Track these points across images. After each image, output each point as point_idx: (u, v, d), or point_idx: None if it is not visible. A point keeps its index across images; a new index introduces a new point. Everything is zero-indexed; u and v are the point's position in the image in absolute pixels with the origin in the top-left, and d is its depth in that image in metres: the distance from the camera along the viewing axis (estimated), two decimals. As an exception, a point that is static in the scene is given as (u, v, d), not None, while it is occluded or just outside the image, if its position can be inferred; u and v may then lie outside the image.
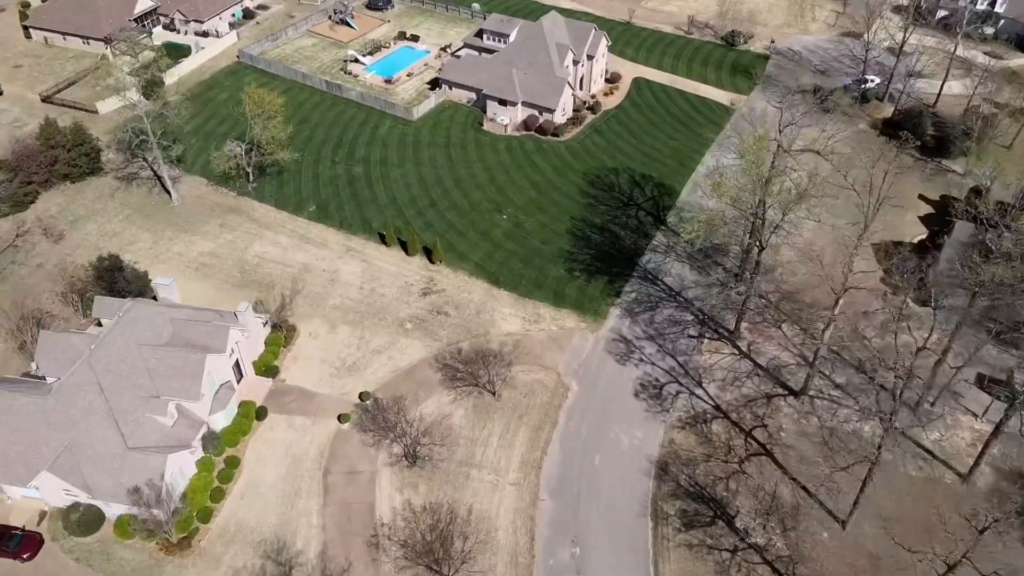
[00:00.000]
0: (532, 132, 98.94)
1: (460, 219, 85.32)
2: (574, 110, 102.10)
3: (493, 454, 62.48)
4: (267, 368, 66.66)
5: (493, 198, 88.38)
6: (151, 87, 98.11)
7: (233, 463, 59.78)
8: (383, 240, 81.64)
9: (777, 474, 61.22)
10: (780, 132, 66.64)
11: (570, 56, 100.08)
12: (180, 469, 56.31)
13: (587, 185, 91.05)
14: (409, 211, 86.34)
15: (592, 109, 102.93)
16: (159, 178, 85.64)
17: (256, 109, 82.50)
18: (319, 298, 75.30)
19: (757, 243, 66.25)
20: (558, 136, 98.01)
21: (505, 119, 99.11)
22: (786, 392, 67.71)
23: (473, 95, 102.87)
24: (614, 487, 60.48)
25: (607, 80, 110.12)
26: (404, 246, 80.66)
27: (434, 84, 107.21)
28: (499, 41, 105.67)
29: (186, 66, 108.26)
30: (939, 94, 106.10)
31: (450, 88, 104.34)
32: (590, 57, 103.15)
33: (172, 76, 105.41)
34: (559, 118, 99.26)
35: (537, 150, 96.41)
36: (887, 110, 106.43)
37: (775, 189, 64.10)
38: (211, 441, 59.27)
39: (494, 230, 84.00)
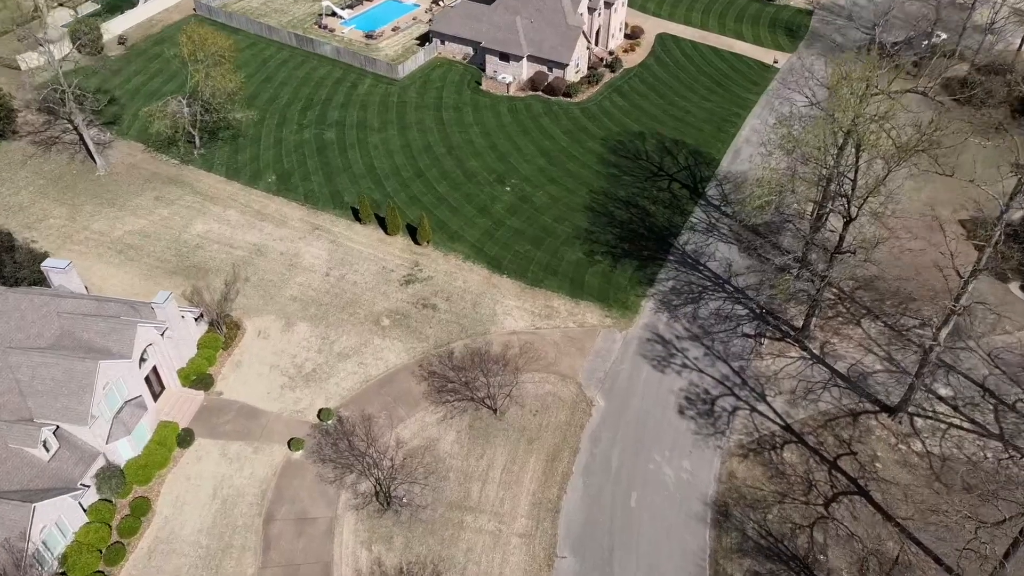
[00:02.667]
0: (540, 92, 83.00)
1: (453, 191, 69.42)
2: (589, 68, 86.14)
3: (494, 493, 46.63)
4: (198, 378, 50.80)
5: (494, 167, 72.47)
6: (89, 42, 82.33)
7: (141, 509, 43.93)
8: (357, 216, 65.74)
9: (877, 519, 45.37)
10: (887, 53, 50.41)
11: (585, 2, 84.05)
12: (59, 521, 40.43)
13: (607, 152, 75.12)
14: (391, 182, 70.39)
15: (611, 67, 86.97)
16: (83, 142, 69.60)
17: (197, 52, 66.34)
18: (273, 287, 59.37)
19: (844, 212, 50.22)
20: (571, 96, 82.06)
21: (508, 77, 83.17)
22: (877, 408, 51.78)
23: (469, 50, 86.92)
24: (658, 539, 44.65)
25: (627, 36, 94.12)
26: (383, 223, 64.78)
27: (424, 40, 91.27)
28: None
29: (131, 18, 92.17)
30: (1020, 50, 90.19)
31: (442, 43, 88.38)
32: (608, 5, 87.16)
33: (114, 29, 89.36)
34: (572, 75, 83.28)
35: (546, 112, 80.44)
36: (960, 68, 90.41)
37: (871, 138, 48.07)
38: (110, 479, 43.40)
39: (495, 204, 68.10)
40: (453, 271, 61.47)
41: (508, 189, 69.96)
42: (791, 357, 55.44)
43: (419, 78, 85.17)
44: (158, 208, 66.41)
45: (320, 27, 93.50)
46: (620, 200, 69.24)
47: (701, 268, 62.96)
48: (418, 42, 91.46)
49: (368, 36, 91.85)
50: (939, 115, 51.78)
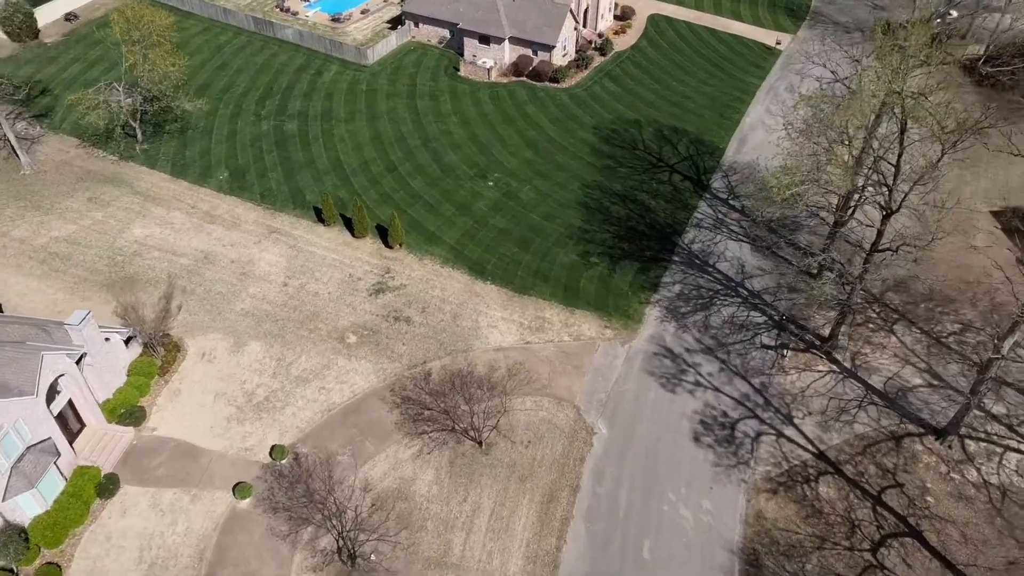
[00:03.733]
0: (524, 77, 75.47)
1: (429, 188, 61.69)
2: (578, 51, 78.73)
3: (480, 545, 39.09)
4: (127, 412, 42.79)
5: (475, 160, 64.82)
6: (21, 27, 73.75)
7: (49, 578, 35.92)
8: (320, 217, 57.86)
9: (935, 567, 38.40)
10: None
11: (572, -22, 76.57)
12: (-63, 603, 32.39)
13: (600, 142, 67.73)
14: (358, 178, 62.53)
15: (601, 50, 79.61)
16: (5, 137, 61.08)
17: (131, 32, 58.06)
18: (222, 300, 51.38)
19: (883, 203, 43.16)
20: (558, 82, 74.61)
21: (488, 61, 75.55)
22: (922, 430, 44.83)
23: (446, 33, 79.19)
24: (677, 597, 37.37)
25: (617, 17, 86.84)
26: (349, 225, 56.98)
27: (396, 22, 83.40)
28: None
29: (71, 1, 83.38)
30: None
31: (416, 25, 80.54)
32: (597, -18, 79.82)
33: (46, 16, 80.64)
34: (559, 59, 75.82)
35: (532, 99, 72.91)
36: (975, 48, 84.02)
37: (921, 114, 41.03)
38: (7, 544, 35.33)
39: (477, 202, 60.48)
40: (429, 278, 53.81)
41: (491, 184, 62.36)
42: (818, 371, 48.36)
43: (390, 64, 77.31)
44: (91, 211, 58.08)
45: (282, 10, 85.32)
46: (616, 194, 61.88)
47: (710, 270, 55.76)
48: (389, 25, 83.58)
49: (334, 19, 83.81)
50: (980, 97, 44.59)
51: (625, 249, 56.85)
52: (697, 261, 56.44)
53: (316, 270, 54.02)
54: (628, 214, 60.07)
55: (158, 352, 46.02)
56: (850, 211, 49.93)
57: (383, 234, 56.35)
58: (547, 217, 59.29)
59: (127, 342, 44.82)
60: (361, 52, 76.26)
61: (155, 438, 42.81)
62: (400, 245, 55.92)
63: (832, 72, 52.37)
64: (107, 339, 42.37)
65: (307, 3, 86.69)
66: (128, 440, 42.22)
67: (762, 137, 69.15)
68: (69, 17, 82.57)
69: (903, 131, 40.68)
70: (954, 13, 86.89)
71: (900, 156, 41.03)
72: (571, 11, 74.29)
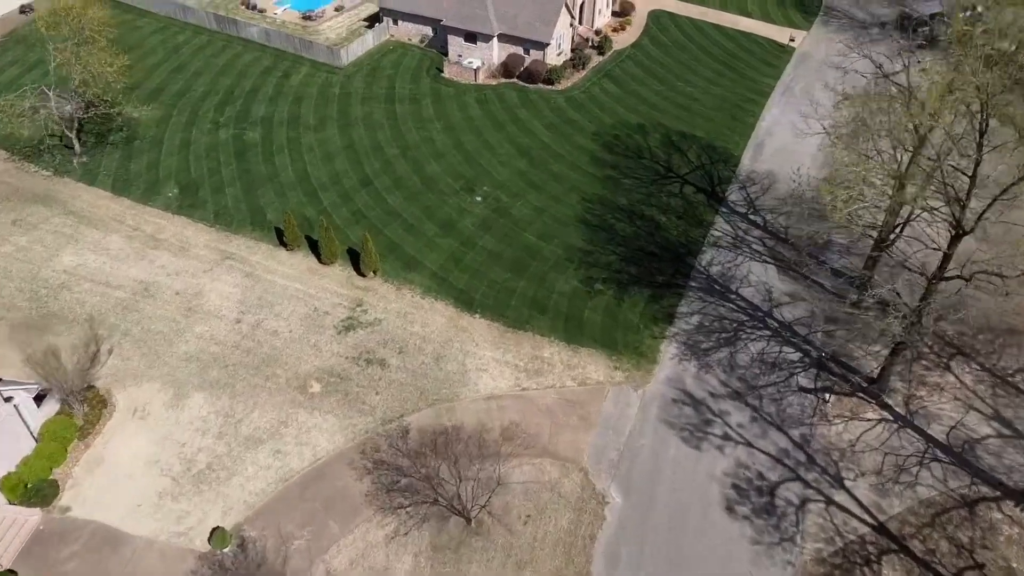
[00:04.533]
0: (515, 79, 68.04)
1: (409, 204, 54.07)
2: (574, 49, 71.40)
3: (470, 656, 31.37)
4: (34, 487, 34.86)
5: (460, 171, 57.26)
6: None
7: None
8: (282, 240, 50.10)
9: (1032, 676, 30.98)
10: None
11: (566, -32, 69.26)
12: None
13: (601, 150, 60.33)
14: (328, 194, 54.83)
15: (599, 48, 72.30)
16: (-82, 150, 53.07)
17: (61, 26, 50.18)
18: (162, 342, 43.52)
19: (952, 221, 35.83)
20: (553, 83, 67.21)
21: (475, 61, 68.07)
22: (998, 493, 37.49)
23: (428, 30, 71.69)
24: None
25: (615, 13, 79.64)
26: (316, 248, 49.25)
27: (373, 20, 75.84)
28: (463, -42, 74.33)
29: (9, 2, 75.39)
30: None
31: (395, 22, 72.99)
32: (594, -27, 72.59)
33: (4, 4, 72.67)
34: (554, 58, 68.44)
35: (524, 103, 65.44)
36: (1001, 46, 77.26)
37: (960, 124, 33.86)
38: None
39: (463, 219, 52.90)
40: (408, 311, 46.12)
41: (479, 199, 54.79)
42: (868, 419, 40.96)
43: (367, 65, 69.68)
44: (14, 235, 50.09)
45: (248, 7, 77.58)
46: (621, 209, 54.45)
47: (732, 297, 48.35)
48: (366, 23, 76.00)
49: (306, 17, 76.13)
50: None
51: (634, 273, 49.38)
52: (717, 287, 49.02)
53: (275, 303, 46.22)
54: (636, 232, 52.63)
55: (79, 409, 38.09)
56: (899, 229, 42.73)
57: (355, 259, 48.65)
58: (543, 236, 51.77)
59: (39, 399, 36.90)
60: (334, 52, 68.60)
61: (68, 521, 34.87)
62: (374, 272, 48.23)
63: (878, 66, 44.92)
64: (7, 399, 34.41)
65: (277, 0, 78.94)
66: (33, 524, 34.28)
67: (782, 142, 62.07)
68: (24, 9, 74.50)
69: (982, 134, 33.40)
70: (979, 7, 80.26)
71: (978, 165, 33.76)
72: (566, 5, 66.94)
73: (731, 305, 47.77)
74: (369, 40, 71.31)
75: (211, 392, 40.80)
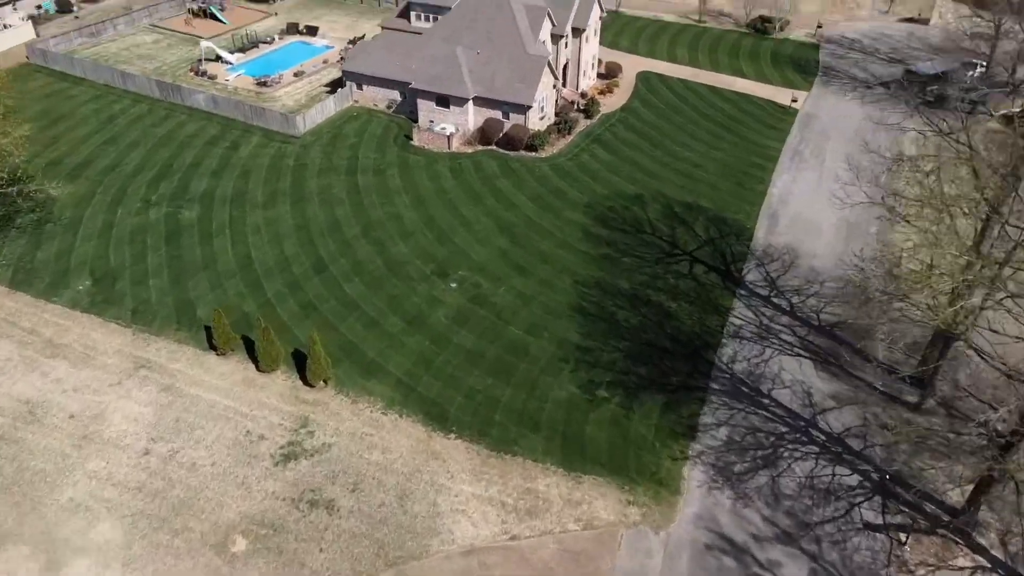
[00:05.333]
0: (494, 145, 60.66)
1: (370, 293, 45.28)
2: (558, 113, 64.48)
3: None
4: None
5: (432, 253, 48.83)
6: None
7: None
8: (211, 343, 40.76)
9: None
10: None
11: (547, 26, 63.05)
12: None
13: (595, 224, 52.41)
14: (274, 282, 45.94)
15: (586, 112, 65.48)
16: None
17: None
18: (42, 485, 33.56)
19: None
20: (536, 150, 59.84)
21: (449, 127, 60.73)
22: None
23: (396, 94, 64.57)
24: None
25: (601, 75, 73.44)
26: (252, 353, 39.98)
27: (336, 85, 68.77)
28: (436, 20, 67.90)
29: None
30: None
31: (359, 87, 65.85)
32: (578, 33, 66.40)
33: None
34: (536, 122, 61.30)
35: (504, 172, 57.80)
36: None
37: None
38: None
39: (434, 311, 44.10)
40: (366, 432, 36.69)
41: (454, 285, 46.17)
42: (959, 568, 31.68)
43: (327, 133, 62.03)
44: None
45: (197, 74, 70.29)
46: (623, 294, 46.05)
47: (765, 401, 39.55)
48: (328, 89, 68.86)
49: (261, 83, 68.88)
50: None
51: (643, 375, 40.55)
52: (745, 389, 40.23)
53: (197, 426, 36.60)
54: (642, 322, 44.06)
55: (-92, 593, 27.78)
56: (972, 317, 34.49)
57: (301, 364, 39.38)
58: (532, 330, 42.99)
59: None
60: (289, 120, 60.94)
61: None
62: (325, 381, 38.95)
63: (937, 129, 37.76)
64: None
65: (229, 66, 71.84)
66: None
67: (797, 211, 54.71)
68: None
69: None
70: (983, 63, 75.18)
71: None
72: (549, 65, 60.18)
73: (765, 412, 38.89)
74: (330, 106, 63.91)
75: (98, 558, 30.70)
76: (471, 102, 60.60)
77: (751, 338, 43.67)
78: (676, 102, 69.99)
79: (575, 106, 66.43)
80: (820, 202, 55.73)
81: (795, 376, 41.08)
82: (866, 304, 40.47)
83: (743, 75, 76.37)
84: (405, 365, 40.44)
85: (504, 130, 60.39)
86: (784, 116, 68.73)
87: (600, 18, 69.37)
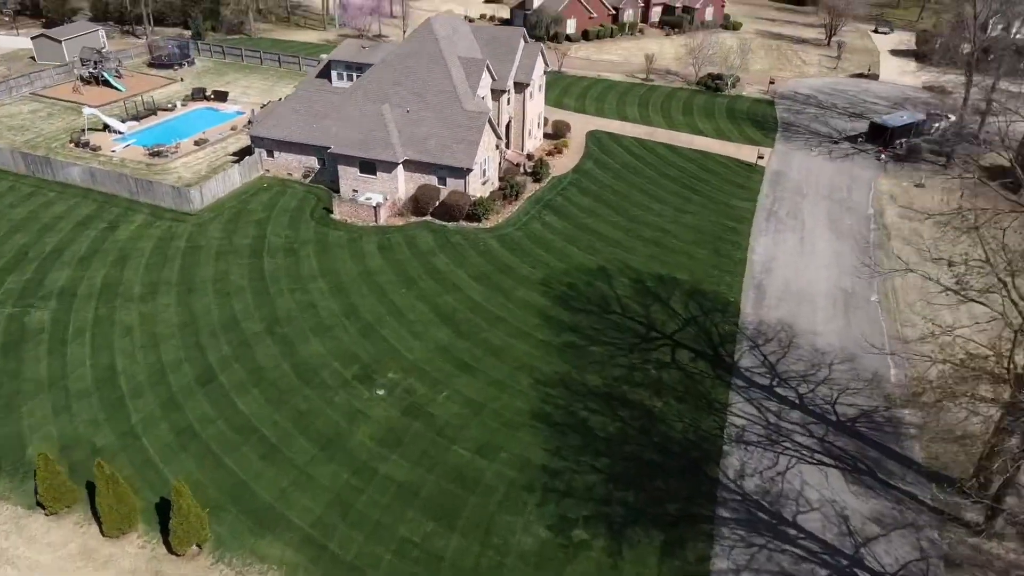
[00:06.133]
0: (429, 216, 51.85)
1: (272, 409, 34.81)
2: (502, 177, 56.36)
3: None
4: None
5: (354, 351, 38.84)
6: None
7: None
8: (39, 500, 29.34)
9: None
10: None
11: (487, 81, 55.56)
12: None
13: (554, 306, 43.42)
14: (142, 402, 35.05)
15: (534, 175, 57.62)
16: None
17: None
18: None
19: None
20: (479, 220, 51.25)
21: (375, 197, 51.80)
22: None
23: (313, 161, 55.54)
24: None
25: (548, 135, 66.24)
26: (94, 508, 28.75)
27: (245, 155, 59.43)
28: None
29: None
30: None
31: (270, 154, 56.62)
32: (521, 88, 59.16)
33: None
34: (478, 187, 52.91)
35: (443, 247, 48.78)
36: (997, 156, 67.43)
37: None
38: None
39: (356, 430, 33.88)
40: (253, 624, 25.70)
41: (382, 393, 36.15)
42: None
43: (229, 208, 52.25)
44: None
45: (78, 145, 60.04)
46: (595, 394, 36.77)
47: (792, 532, 30.23)
48: (235, 158, 59.42)
49: (155, 153, 59.02)
50: None
51: (631, 503, 30.93)
52: (763, 516, 30.91)
53: (0, 633, 25.01)
54: (622, 430, 34.70)
55: None
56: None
57: (165, 521, 28.36)
58: (484, 451, 33.10)
59: None
60: (183, 194, 51.02)
61: None
62: (199, 545, 27.97)
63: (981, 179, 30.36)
64: None
65: (117, 135, 61.86)
66: None
67: (784, 280, 47.05)
68: None
69: None
70: (951, 116, 71.13)
71: None
72: (490, 122, 52.27)
73: (794, 549, 29.51)
74: (234, 176, 54.32)
75: None
76: (401, 167, 51.96)
77: (759, 442, 34.67)
78: (633, 162, 62.97)
79: (521, 169, 58.54)
80: (808, 268, 48.39)
81: (823, 493, 32.05)
82: (919, 397, 32.12)
83: (701, 133, 70.45)
84: (314, 511, 29.84)
85: (441, 198, 51.72)
86: (751, 174, 62.33)
87: (544, 72, 62.47)
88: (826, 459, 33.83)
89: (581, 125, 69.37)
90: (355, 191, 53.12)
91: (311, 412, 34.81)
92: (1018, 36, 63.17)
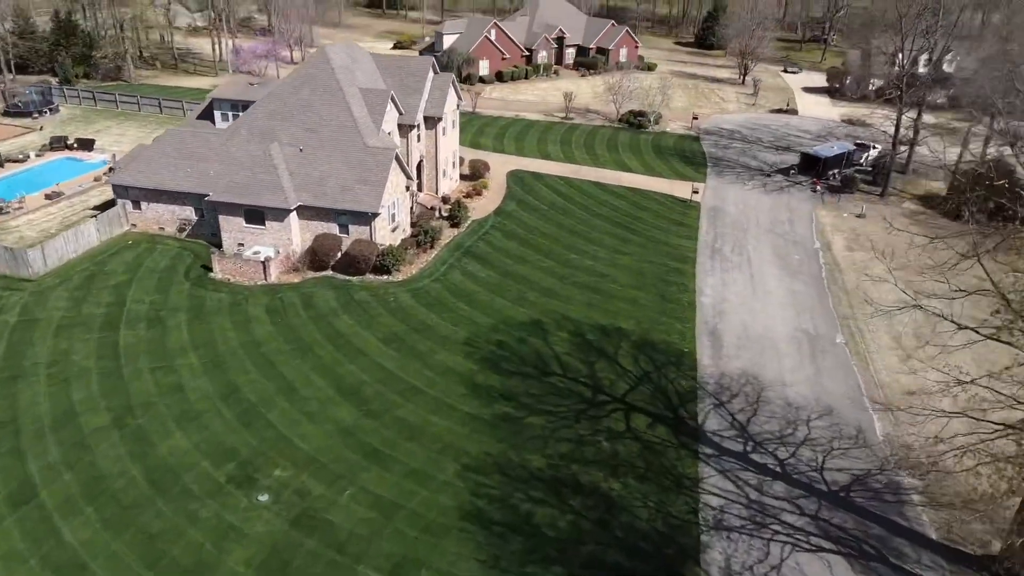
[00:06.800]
0: (330, 270, 44.05)
1: (111, 535, 25.82)
2: (415, 223, 49.32)
3: None
4: None
5: (230, 445, 30.29)
6: None
7: None
8: None
9: None
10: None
11: (393, 115, 48.93)
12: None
13: (482, 370, 36.17)
14: (-77, 540, 25.32)
15: (452, 219, 50.90)
16: None
17: None
18: None
19: None
20: (389, 272, 43.81)
21: (265, 250, 43.71)
22: None
23: (190, 212, 47.04)
24: None
25: (464, 176, 59.98)
26: None
27: (107, 206, 50.28)
28: (246, 117, 51.91)
29: None
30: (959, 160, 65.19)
31: (136, 205, 47.77)
32: (433, 123, 52.80)
33: None
34: (387, 234, 45.60)
35: (346, 306, 40.98)
36: (929, 184, 65.46)
37: None
38: None
39: (230, 552, 25.26)
40: None
41: (265, 499, 27.73)
42: None
43: (80, 272, 42.94)
44: None
45: None
46: (538, 479, 29.51)
47: (802, 650, 23.41)
48: (95, 211, 50.21)
49: (-7, 210, 49.10)
50: None
51: (598, 630, 23.45)
52: (764, 629, 24.03)
53: None
54: (575, 525, 27.45)
55: None
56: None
57: None
58: (399, 570, 25.09)
59: None
60: (19, 257, 41.50)
61: None
62: None
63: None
64: None
65: (-51, 190, 51.68)
66: None
67: (741, 323, 41.65)
68: None
69: None
70: (878, 146, 69.22)
71: None
72: (398, 160, 45.40)
73: (810, 676, 22.64)
74: (90, 234, 45.18)
75: None
76: (295, 214, 44.20)
77: (743, 527, 28.10)
78: (561, 202, 57.29)
79: (437, 213, 51.73)
80: (764, 310, 43.18)
81: (830, 591, 25.55)
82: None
83: (629, 169, 65.87)
84: None
85: (343, 248, 44.12)
86: (687, 210, 57.65)
87: (457, 106, 56.43)
88: (825, 543, 27.52)
89: (500, 165, 63.55)
90: (240, 245, 44.90)
91: (166, 534, 26.03)
92: (941, 69, 61.81)
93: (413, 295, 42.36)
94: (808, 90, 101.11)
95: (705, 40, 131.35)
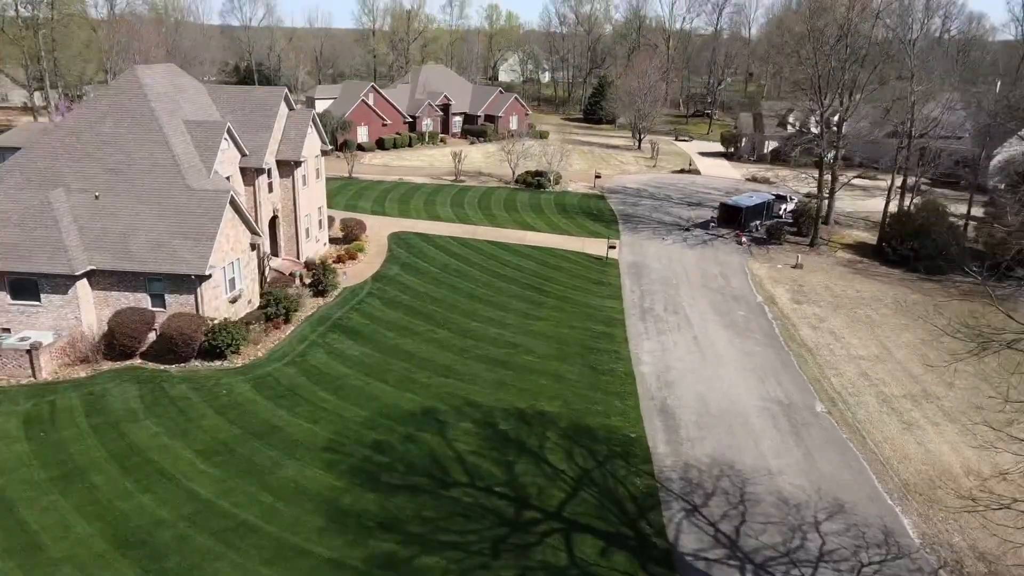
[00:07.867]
0: (137, 358, 31.32)
1: None
2: (265, 292, 37.49)
3: None
4: None
5: None
6: None
7: None
8: None
9: None
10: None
11: (232, 153, 37.85)
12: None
13: (351, 486, 24.35)
14: None
15: (316, 286, 39.50)
16: None
17: None
18: None
19: None
20: (223, 356, 31.62)
21: (37, 335, 30.59)
22: None
23: (-68, 289, 33.24)
24: None
25: (336, 240, 49.08)
26: None
27: None
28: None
29: None
30: (886, 211, 60.90)
31: None
32: (288, 169, 41.99)
33: None
34: (223, 306, 33.56)
35: (153, 405, 28.31)
36: (854, 232, 60.55)
37: None
38: None
39: None
40: None
41: None
42: None
43: None
44: None
45: None
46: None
47: None
48: None
49: None
50: None
51: None
52: None
53: None
54: None
55: None
56: None
57: None
58: None
59: None
60: None
61: None
62: None
63: None
64: None
65: None
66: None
67: (696, 394, 32.27)
68: None
69: None
70: (795, 197, 64.43)
71: None
72: (234, 206, 34.08)
73: None
74: None
75: None
76: (84, 283, 31.67)
77: None
78: (455, 263, 47.28)
79: (297, 280, 40.20)
80: (721, 377, 34.14)
81: None
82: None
83: (532, 228, 57.32)
84: None
85: (155, 326, 31.71)
86: (605, 268, 49.06)
87: (321, 152, 46.04)
88: None
89: (382, 227, 53.29)
90: (6, 331, 31.65)
91: None
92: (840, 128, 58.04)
93: (255, 385, 30.31)
94: (705, 154, 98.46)
95: (594, 114, 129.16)
